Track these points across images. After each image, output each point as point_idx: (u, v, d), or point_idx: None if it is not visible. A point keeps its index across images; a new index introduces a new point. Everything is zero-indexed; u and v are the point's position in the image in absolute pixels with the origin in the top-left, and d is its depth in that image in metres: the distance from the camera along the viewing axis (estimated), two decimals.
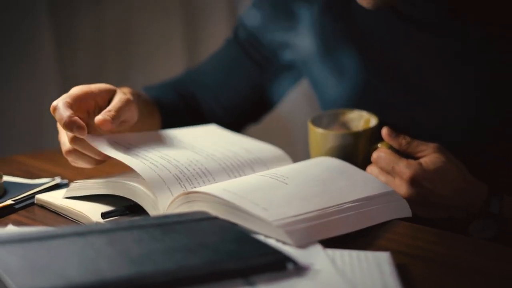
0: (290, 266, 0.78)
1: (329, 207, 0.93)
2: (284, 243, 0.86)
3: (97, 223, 0.96)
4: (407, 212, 1.01)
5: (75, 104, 1.03)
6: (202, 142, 1.13)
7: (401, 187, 1.06)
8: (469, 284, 0.83)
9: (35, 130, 1.98)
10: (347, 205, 0.95)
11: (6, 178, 1.13)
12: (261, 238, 0.87)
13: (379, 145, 1.14)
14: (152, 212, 0.97)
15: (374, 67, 1.24)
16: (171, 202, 0.95)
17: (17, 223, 0.99)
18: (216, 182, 1.03)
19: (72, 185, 1.05)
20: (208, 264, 0.75)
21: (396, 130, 1.13)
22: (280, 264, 0.78)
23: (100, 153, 1.02)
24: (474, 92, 1.16)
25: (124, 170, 1.05)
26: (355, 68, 1.25)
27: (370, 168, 1.11)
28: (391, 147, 1.12)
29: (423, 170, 1.06)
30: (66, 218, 1.01)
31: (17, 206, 1.05)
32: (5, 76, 1.90)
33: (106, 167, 1.11)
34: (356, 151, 1.16)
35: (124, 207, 0.99)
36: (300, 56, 1.34)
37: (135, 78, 2.18)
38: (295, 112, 1.94)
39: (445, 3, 1.15)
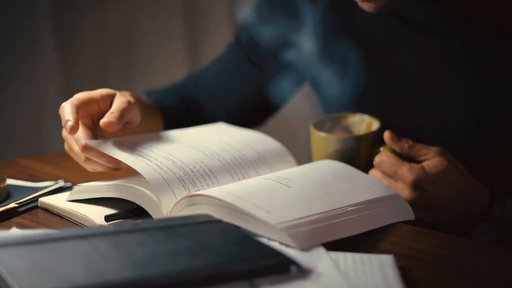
0: (293, 268, 0.78)
1: (332, 210, 0.93)
2: (287, 246, 0.86)
3: (101, 226, 0.96)
4: (409, 215, 1.02)
5: (81, 109, 1.04)
6: (209, 140, 1.13)
7: (404, 191, 1.06)
8: (471, 286, 0.84)
9: (37, 132, 1.98)
10: (350, 208, 0.96)
11: (9, 181, 1.13)
12: (264, 241, 0.87)
13: (381, 148, 1.14)
14: (155, 215, 0.97)
15: (375, 70, 1.25)
16: (175, 205, 0.96)
17: (20, 226, 0.99)
18: (219, 185, 1.03)
19: (76, 188, 1.05)
20: (211, 266, 0.75)
21: (398, 134, 1.13)
22: (283, 267, 0.78)
23: (110, 161, 1.03)
24: (475, 94, 1.16)
25: (128, 172, 1.05)
26: (357, 71, 1.26)
27: (372, 172, 1.12)
28: (393, 151, 1.12)
29: (426, 174, 1.06)
30: (69, 221, 1.01)
31: (20, 209, 1.05)
32: (6, 77, 1.90)
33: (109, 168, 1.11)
34: (358, 155, 1.17)
35: (128, 210, 0.99)
36: (302, 59, 1.34)
37: (137, 79, 2.18)
38: (297, 115, 1.95)
39: (446, 6, 1.15)
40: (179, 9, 2.27)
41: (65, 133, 1.10)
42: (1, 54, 1.90)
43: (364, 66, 1.25)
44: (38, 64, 1.93)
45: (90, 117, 1.08)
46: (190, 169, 1.03)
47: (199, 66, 2.31)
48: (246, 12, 1.45)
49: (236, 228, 0.89)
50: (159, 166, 1.01)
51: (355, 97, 1.26)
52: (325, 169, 1.07)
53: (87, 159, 1.06)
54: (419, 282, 0.83)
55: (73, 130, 1.01)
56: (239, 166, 1.09)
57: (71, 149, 1.10)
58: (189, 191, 1.00)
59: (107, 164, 1.03)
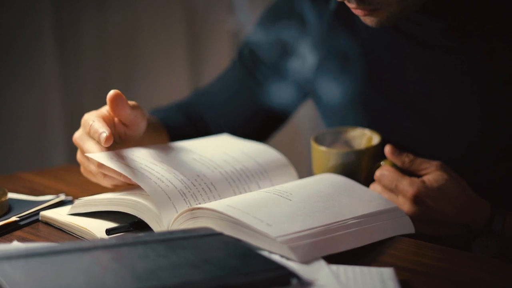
0: (294, 281, 0.78)
1: (333, 223, 0.94)
2: (288, 259, 0.86)
3: (102, 239, 0.96)
4: (410, 228, 1.02)
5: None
6: (212, 152, 1.14)
7: (405, 205, 1.07)
8: None
9: (38, 146, 1.98)
10: (350, 221, 0.96)
11: (10, 195, 1.13)
12: (265, 254, 0.87)
13: (382, 163, 1.15)
14: (156, 228, 0.97)
15: (377, 84, 1.25)
16: (176, 219, 0.96)
17: (21, 239, 0.99)
18: (221, 198, 1.03)
19: (77, 201, 1.05)
20: (213, 279, 0.75)
21: (399, 148, 1.13)
22: (285, 280, 0.78)
23: (121, 175, 1.03)
24: (476, 109, 1.17)
25: (129, 185, 1.05)
26: (358, 85, 1.26)
27: (373, 186, 1.12)
28: (394, 165, 1.13)
29: (426, 188, 1.06)
30: (70, 234, 1.02)
31: (21, 223, 1.05)
32: (7, 88, 1.90)
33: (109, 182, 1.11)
34: (359, 169, 1.17)
35: (129, 224, 1.00)
36: (304, 74, 1.35)
37: (137, 84, 2.18)
38: (299, 128, 1.95)
39: (449, 21, 1.16)
40: (180, 14, 2.28)
41: (79, 156, 1.11)
42: (1, 63, 1.90)
43: (366, 80, 1.26)
44: (39, 72, 1.94)
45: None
46: (191, 182, 1.03)
47: (199, 71, 2.33)
48: (248, 30, 1.46)
49: (238, 241, 0.89)
50: (160, 180, 1.01)
51: (356, 111, 1.27)
52: (326, 183, 1.08)
53: (105, 175, 1.06)
54: None
55: (108, 140, 1.02)
56: (240, 179, 1.09)
57: (87, 171, 1.11)
58: (190, 204, 1.00)
59: (120, 178, 1.04)
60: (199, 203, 1.00)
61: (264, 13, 1.41)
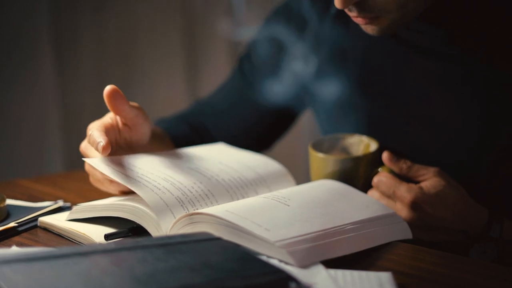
0: (292, 285, 0.78)
1: (330, 228, 0.94)
2: (286, 263, 0.86)
3: (101, 244, 0.96)
4: (407, 234, 1.02)
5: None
6: (208, 161, 1.14)
7: (402, 211, 1.07)
8: None
9: (36, 153, 1.98)
10: (348, 227, 0.96)
11: (9, 201, 1.13)
12: (264, 258, 0.87)
13: (379, 169, 1.15)
14: (155, 234, 0.97)
15: (375, 92, 1.26)
16: (174, 224, 0.96)
17: (20, 245, 0.99)
18: (218, 205, 1.03)
19: (75, 207, 1.05)
20: (211, 282, 0.76)
21: (396, 154, 1.14)
22: (283, 283, 0.78)
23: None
24: (475, 117, 1.17)
25: (127, 191, 1.06)
26: (357, 93, 1.27)
27: (371, 193, 1.12)
28: (391, 171, 1.13)
29: (424, 194, 1.07)
30: (69, 240, 1.02)
31: (20, 229, 1.05)
32: (5, 90, 1.91)
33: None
34: (356, 175, 1.17)
35: (127, 229, 1.00)
36: (302, 81, 1.35)
37: (136, 88, 2.19)
38: (297, 135, 1.95)
39: (450, 29, 1.16)
40: (178, 18, 2.28)
41: (87, 166, 1.11)
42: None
43: (364, 87, 1.26)
44: (37, 77, 1.94)
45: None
46: (188, 189, 1.03)
47: (197, 75, 2.34)
48: (248, 40, 1.47)
49: (236, 245, 0.89)
50: (157, 187, 1.01)
51: (354, 118, 1.27)
52: (324, 188, 1.08)
53: (111, 181, 1.07)
54: None
55: (106, 149, 1.03)
56: (238, 187, 1.09)
57: (96, 179, 1.11)
58: (188, 210, 1.00)
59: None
60: (197, 209, 1.00)
61: (265, 20, 1.42)
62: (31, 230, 1.06)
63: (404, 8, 1.06)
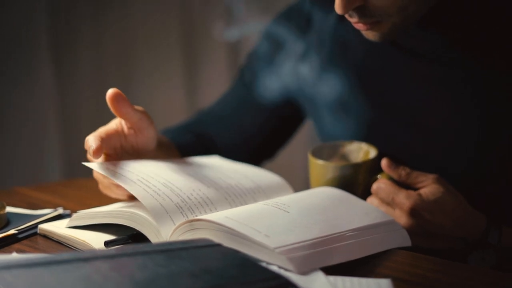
0: None
1: (330, 235, 0.94)
2: (286, 269, 0.87)
3: (102, 250, 0.96)
4: (406, 241, 1.02)
5: (104, 140, 1.08)
6: (206, 171, 1.14)
7: (401, 218, 1.07)
8: None
9: (36, 161, 1.99)
10: (348, 234, 0.96)
11: (9, 209, 1.13)
12: (264, 264, 0.88)
13: (378, 176, 1.15)
14: (155, 240, 0.97)
15: (374, 98, 1.26)
16: (174, 230, 0.96)
17: (20, 252, 0.99)
18: (217, 211, 1.04)
19: (75, 214, 1.06)
20: None
21: (396, 161, 1.14)
22: None
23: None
24: (476, 123, 1.17)
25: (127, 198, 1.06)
26: (356, 100, 1.27)
27: (370, 199, 1.13)
28: (390, 178, 1.13)
29: (423, 201, 1.07)
30: (69, 247, 1.02)
31: (20, 236, 1.05)
32: (3, 96, 1.91)
33: (108, 196, 1.12)
34: (356, 182, 1.18)
35: (127, 236, 1.00)
36: (302, 93, 1.36)
37: (135, 93, 2.19)
38: (296, 142, 1.96)
39: (450, 34, 1.17)
40: (177, 23, 2.29)
41: (95, 173, 1.11)
42: None
43: (364, 93, 1.27)
44: (35, 84, 1.94)
45: (113, 148, 1.10)
46: (187, 196, 1.03)
47: (196, 80, 2.34)
48: (249, 50, 1.48)
49: (236, 251, 0.89)
50: (157, 193, 1.01)
51: (353, 124, 1.27)
52: (323, 195, 1.08)
53: (117, 186, 1.07)
54: None
55: (96, 153, 1.03)
56: (237, 195, 1.09)
57: (105, 186, 1.12)
58: (187, 217, 1.00)
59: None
60: (196, 216, 1.01)
61: (266, 28, 1.43)
62: (31, 237, 1.06)
63: (404, 11, 1.07)
